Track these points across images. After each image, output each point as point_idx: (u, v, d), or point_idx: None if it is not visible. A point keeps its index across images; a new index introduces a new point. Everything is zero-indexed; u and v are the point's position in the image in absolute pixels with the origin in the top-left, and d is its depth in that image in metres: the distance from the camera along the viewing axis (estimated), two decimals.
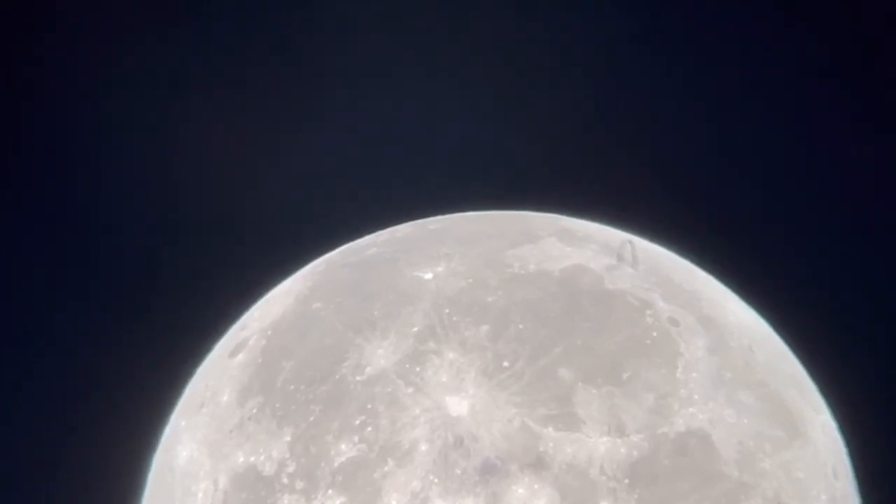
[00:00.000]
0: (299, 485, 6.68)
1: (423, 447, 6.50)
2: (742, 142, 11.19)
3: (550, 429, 6.48)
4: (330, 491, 6.57)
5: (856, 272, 10.82)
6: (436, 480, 6.43)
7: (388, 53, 11.23)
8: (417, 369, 6.75)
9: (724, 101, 11.17)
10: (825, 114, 11.06)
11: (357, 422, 6.66)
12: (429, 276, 7.31)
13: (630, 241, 7.82)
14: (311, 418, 6.81)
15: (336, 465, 6.60)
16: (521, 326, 6.84)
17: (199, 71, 11.12)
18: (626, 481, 6.44)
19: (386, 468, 6.51)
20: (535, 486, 6.39)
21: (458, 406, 6.57)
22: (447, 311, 6.98)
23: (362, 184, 10.95)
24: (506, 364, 6.67)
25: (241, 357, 7.64)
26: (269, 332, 7.63)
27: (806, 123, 11.12)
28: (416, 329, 6.93)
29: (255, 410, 7.12)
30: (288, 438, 6.83)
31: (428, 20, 11.18)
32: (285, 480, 6.73)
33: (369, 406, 6.69)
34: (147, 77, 11.10)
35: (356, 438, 6.61)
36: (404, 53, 11.22)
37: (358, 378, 6.83)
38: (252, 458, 6.93)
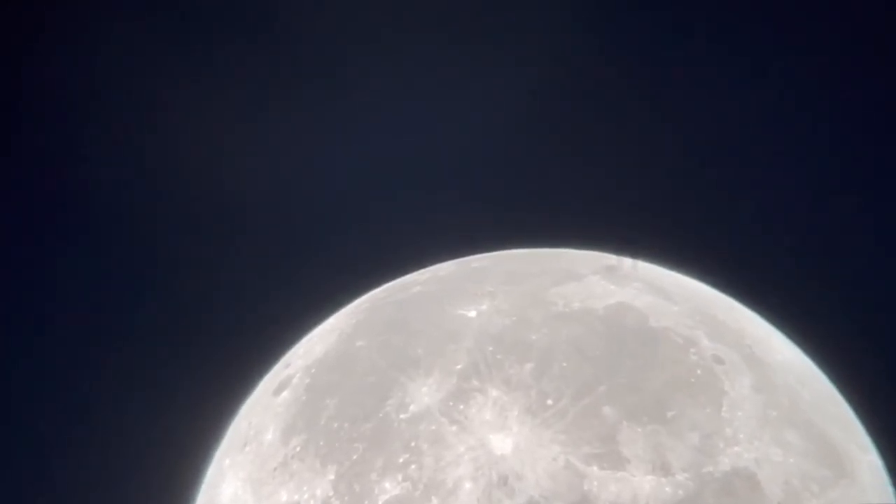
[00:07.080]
0: None
1: (468, 485, 6.49)
2: (780, 182, 11.14)
3: (595, 467, 6.45)
4: None
5: None
6: None
7: (431, 94, 11.30)
8: (461, 407, 6.75)
9: (783, 140, 11.12)
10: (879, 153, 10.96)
11: (401, 460, 6.66)
12: (472, 313, 7.33)
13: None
14: (355, 456, 6.82)
15: (380, 503, 6.60)
16: (564, 364, 6.83)
17: (263, 111, 11.22)
18: None
19: None
20: None
21: (502, 444, 6.56)
22: (491, 348, 6.99)
23: (405, 222, 10.99)
24: (550, 402, 6.66)
25: (284, 395, 7.67)
26: (313, 370, 7.67)
27: (860, 165, 11.03)
28: (459, 367, 6.94)
29: (298, 448, 7.14)
30: (332, 477, 6.84)
31: (480, 63, 11.24)
32: None
33: (413, 444, 6.69)
34: (217, 122, 11.21)
35: (400, 477, 6.61)
36: (446, 94, 11.28)
37: (402, 416, 6.84)
38: (296, 497, 6.94)
